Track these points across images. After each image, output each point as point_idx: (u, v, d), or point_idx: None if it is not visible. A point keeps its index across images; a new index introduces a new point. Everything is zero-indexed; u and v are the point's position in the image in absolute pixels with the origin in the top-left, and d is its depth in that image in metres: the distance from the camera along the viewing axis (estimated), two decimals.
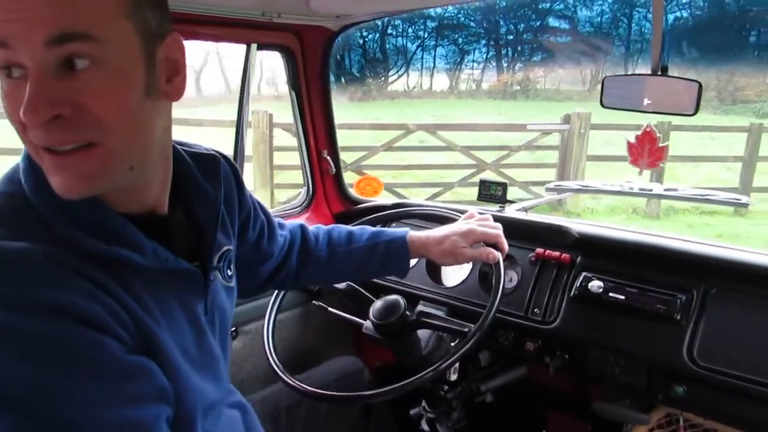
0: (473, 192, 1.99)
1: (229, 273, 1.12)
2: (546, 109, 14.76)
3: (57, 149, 0.75)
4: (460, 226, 1.49)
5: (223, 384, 1.08)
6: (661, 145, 1.74)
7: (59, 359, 0.71)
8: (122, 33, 0.76)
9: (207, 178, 1.04)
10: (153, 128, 0.84)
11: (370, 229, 1.54)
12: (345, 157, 7.30)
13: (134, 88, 0.78)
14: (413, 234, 1.49)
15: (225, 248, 1.09)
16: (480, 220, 1.53)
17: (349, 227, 1.55)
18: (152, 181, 0.91)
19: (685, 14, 22.80)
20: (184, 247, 0.98)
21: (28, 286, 0.71)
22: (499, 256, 1.46)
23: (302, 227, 1.51)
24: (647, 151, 1.78)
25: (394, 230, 1.53)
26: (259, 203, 1.34)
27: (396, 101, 21.94)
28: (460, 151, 9.01)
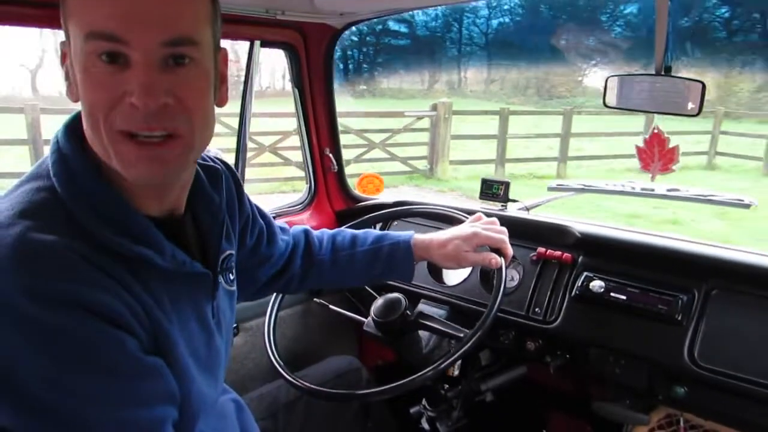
0: (365, 167, 2.00)
1: (231, 277, 1.14)
2: (392, 106, 16.27)
3: (146, 136, 0.80)
4: (464, 229, 1.47)
5: (219, 383, 1.09)
6: (671, 146, 1.71)
7: (78, 355, 0.73)
8: (208, 38, 0.85)
9: (212, 186, 1.07)
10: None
11: (374, 232, 1.53)
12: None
13: (211, 89, 0.87)
14: (417, 237, 1.48)
15: (227, 253, 1.11)
16: (486, 223, 1.50)
17: (354, 231, 1.54)
18: (186, 179, 0.96)
19: (507, 20, 26.50)
20: (195, 251, 1.01)
21: (53, 279, 0.73)
22: (501, 261, 1.43)
23: (306, 232, 1.51)
24: (658, 154, 1.75)
25: (399, 234, 1.51)
26: (258, 208, 1.36)
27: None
28: (354, 133, 10.46)
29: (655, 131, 1.73)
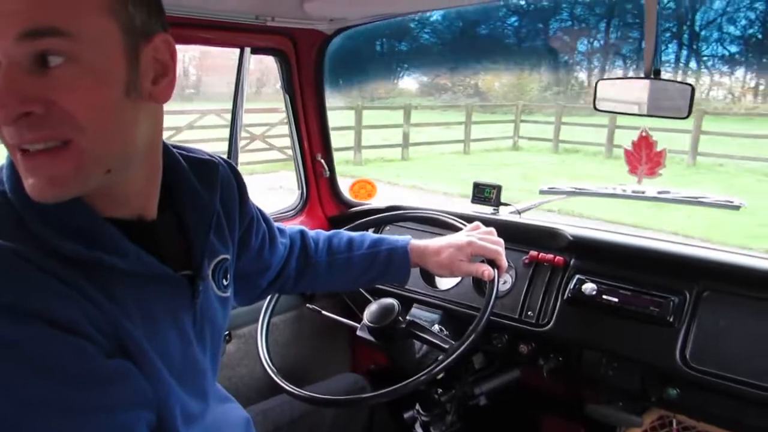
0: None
1: (225, 283, 1.08)
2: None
3: (29, 148, 0.72)
4: (460, 237, 1.44)
5: (206, 394, 1.03)
6: (658, 149, 1.72)
7: (32, 364, 0.68)
8: (102, 29, 0.73)
9: (203, 184, 1.01)
10: (134, 130, 0.81)
11: (370, 235, 1.51)
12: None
13: (112, 87, 0.75)
14: (414, 243, 1.46)
15: (221, 257, 1.05)
16: (483, 233, 1.48)
17: (350, 234, 1.52)
18: (136, 185, 0.87)
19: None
20: (172, 255, 0.94)
21: (0, 286, 0.69)
22: (494, 273, 1.41)
23: (302, 233, 1.49)
24: (645, 157, 1.75)
25: (396, 238, 1.49)
26: (260, 211, 1.31)
27: None
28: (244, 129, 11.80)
29: (643, 134, 1.73)
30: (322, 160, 2.25)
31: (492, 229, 1.50)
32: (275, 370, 1.48)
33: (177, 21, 1.61)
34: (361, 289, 1.71)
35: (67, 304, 0.73)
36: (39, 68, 0.70)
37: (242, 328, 1.99)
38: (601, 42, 30.94)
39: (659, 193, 1.83)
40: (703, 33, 29.61)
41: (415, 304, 1.87)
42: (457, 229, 1.58)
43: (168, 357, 0.89)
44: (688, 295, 1.51)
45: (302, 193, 2.30)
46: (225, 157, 1.19)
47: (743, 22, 28.85)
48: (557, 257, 1.72)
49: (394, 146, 14.87)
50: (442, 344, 1.42)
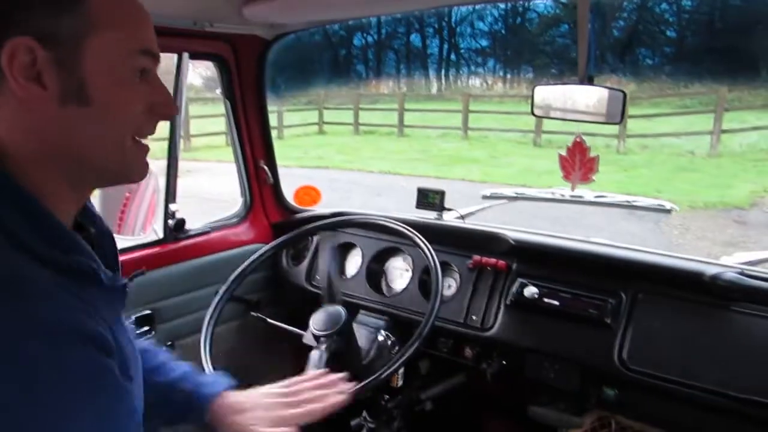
0: None
1: None
2: None
3: (143, 140, 0.84)
4: (268, 402, 1.20)
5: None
6: (591, 155, 1.76)
7: (68, 383, 0.66)
8: None
9: None
10: None
11: (183, 369, 1.24)
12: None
13: None
14: (223, 399, 1.20)
15: None
16: (299, 391, 1.21)
17: (164, 359, 1.25)
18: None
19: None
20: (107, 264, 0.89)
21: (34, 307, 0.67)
22: None
23: None
24: (579, 163, 1.79)
25: (208, 384, 1.23)
26: None
27: None
28: None
29: (578, 140, 1.77)
30: (266, 167, 2.22)
31: (303, 387, 1.22)
32: None
33: None
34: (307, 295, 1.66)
35: (92, 320, 0.71)
36: None
37: (185, 338, 1.95)
38: (374, 37, 36.58)
39: (596, 197, 1.87)
40: (458, 29, 35.55)
41: (361, 311, 1.87)
42: (401, 235, 1.57)
43: (137, 368, 0.87)
44: (624, 298, 1.54)
45: (245, 200, 2.26)
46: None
47: (490, 18, 34.53)
48: (500, 261, 1.74)
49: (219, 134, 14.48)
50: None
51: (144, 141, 0.84)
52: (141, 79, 0.80)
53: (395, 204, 8.15)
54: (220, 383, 1.23)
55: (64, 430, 0.65)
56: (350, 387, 1.20)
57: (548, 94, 1.58)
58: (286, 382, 1.24)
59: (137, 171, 0.85)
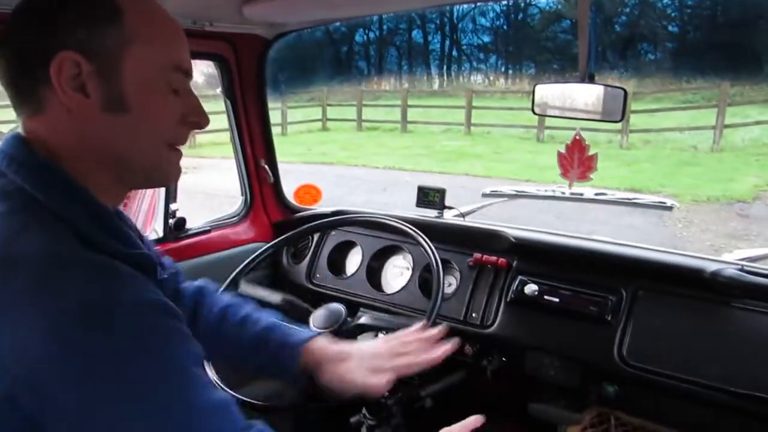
0: None
1: None
2: None
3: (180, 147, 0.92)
4: (368, 351, 1.24)
5: None
6: (590, 153, 1.74)
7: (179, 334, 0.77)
8: None
9: None
10: None
11: (267, 319, 1.30)
12: None
13: None
14: (315, 344, 1.24)
15: None
16: (403, 343, 1.25)
17: (249, 310, 1.32)
18: None
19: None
20: None
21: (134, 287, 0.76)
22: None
23: (201, 291, 1.34)
24: (577, 161, 1.78)
25: (298, 331, 1.28)
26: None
27: None
28: None
29: (577, 137, 1.76)
30: (266, 166, 2.23)
31: (413, 338, 1.27)
32: (217, 382, 1.45)
33: None
34: (302, 303, 1.63)
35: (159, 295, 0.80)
36: None
37: None
38: (376, 34, 36.88)
39: (596, 194, 1.87)
40: (460, 25, 35.63)
41: (361, 309, 1.87)
42: (402, 233, 1.57)
43: None
44: (624, 294, 1.55)
45: (246, 199, 2.26)
46: None
47: (491, 14, 34.66)
48: (500, 259, 1.74)
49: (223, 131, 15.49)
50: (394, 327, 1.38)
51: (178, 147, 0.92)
52: (174, 92, 0.86)
53: (400, 199, 8.14)
54: (309, 332, 1.29)
55: (161, 366, 0.73)
56: (450, 346, 1.26)
57: (549, 92, 1.58)
58: (389, 336, 1.31)
59: (173, 175, 0.93)
